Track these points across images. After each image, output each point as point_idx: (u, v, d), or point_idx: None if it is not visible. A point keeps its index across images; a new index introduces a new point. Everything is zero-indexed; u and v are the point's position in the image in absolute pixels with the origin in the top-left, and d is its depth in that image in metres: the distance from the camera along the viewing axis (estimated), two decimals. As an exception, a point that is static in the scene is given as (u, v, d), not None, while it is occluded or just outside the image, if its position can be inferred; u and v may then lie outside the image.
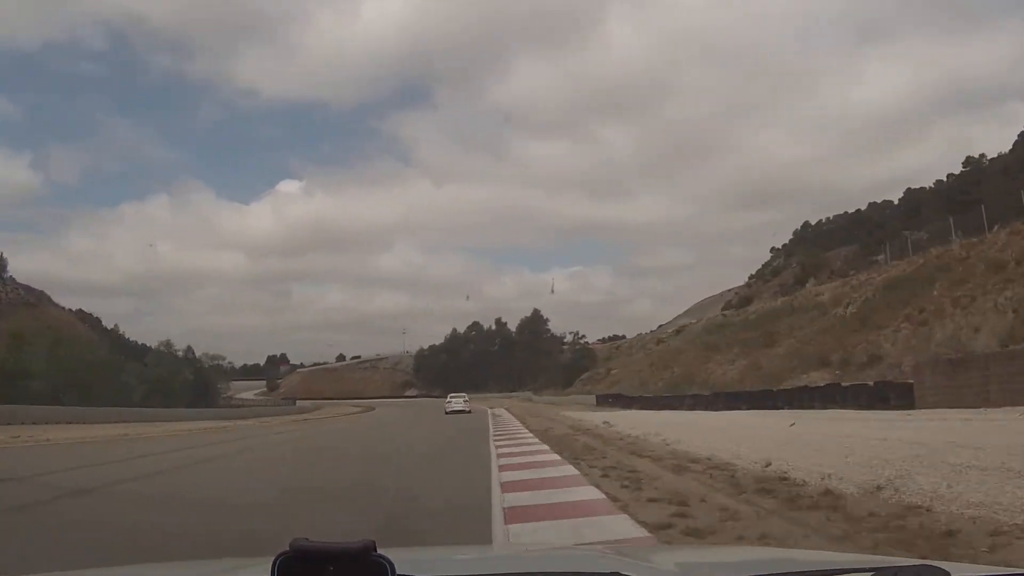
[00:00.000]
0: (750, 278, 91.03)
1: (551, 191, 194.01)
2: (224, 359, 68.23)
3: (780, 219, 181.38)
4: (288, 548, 1.23)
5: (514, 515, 6.69)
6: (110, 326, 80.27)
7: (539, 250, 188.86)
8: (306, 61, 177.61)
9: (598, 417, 28.05)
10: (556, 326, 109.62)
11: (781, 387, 30.16)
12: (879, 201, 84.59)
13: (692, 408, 33.91)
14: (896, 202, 78.42)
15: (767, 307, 57.71)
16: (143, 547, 5.33)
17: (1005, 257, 28.13)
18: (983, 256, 30.45)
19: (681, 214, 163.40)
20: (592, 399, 56.11)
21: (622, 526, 6.06)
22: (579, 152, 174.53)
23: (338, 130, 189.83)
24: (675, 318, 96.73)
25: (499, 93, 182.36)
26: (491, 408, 47.47)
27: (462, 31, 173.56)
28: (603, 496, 7.69)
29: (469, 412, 41.36)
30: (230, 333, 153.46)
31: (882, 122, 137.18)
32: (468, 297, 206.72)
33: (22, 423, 26.50)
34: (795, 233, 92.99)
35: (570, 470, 10.30)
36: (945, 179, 69.29)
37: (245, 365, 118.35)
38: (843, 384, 23.70)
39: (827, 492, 7.04)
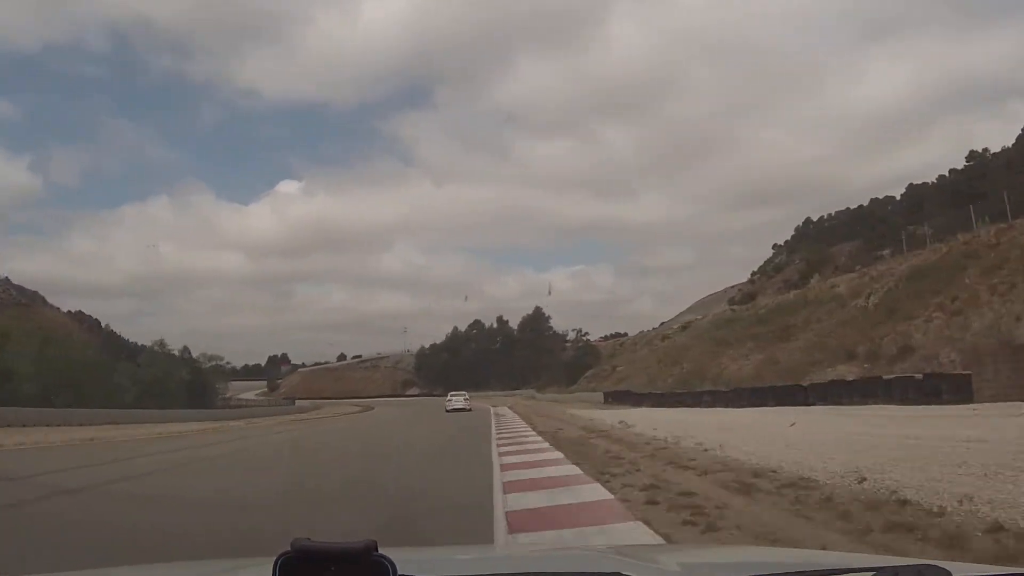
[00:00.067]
0: (753, 274, 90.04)
1: (552, 191, 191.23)
2: (223, 359, 66.69)
3: (781, 218, 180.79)
4: (289, 548, 1.23)
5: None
6: (110, 327, 79.14)
7: (540, 250, 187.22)
8: (307, 61, 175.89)
9: (610, 416, 26.39)
10: (558, 325, 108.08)
11: (807, 381, 28.94)
12: (881, 197, 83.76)
13: (711, 405, 32.65)
14: (898, 197, 77.67)
15: (778, 301, 56.42)
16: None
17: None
18: (1016, 242, 29.30)
19: (682, 213, 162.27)
20: (598, 397, 54.91)
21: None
22: (580, 152, 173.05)
23: (339, 130, 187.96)
24: (678, 315, 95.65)
25: (500, 93, 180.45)
26: (494, 407, 45.93)
27: (463, 31, 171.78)
28: (663, 543, 5.16)
29: (469, 410, 41.55)
30: (231, 333, 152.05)
31: (882, 121, 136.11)
32: (467, 298, 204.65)
33: (10, 425, 24.96)
34: (797, 229, 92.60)
35: (600, 492, 7.91)
36: (947, 174, 68.44)
37: (246, 365, 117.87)
38: (885, 377, 22.19)
39: (997, 526, 4.95)
